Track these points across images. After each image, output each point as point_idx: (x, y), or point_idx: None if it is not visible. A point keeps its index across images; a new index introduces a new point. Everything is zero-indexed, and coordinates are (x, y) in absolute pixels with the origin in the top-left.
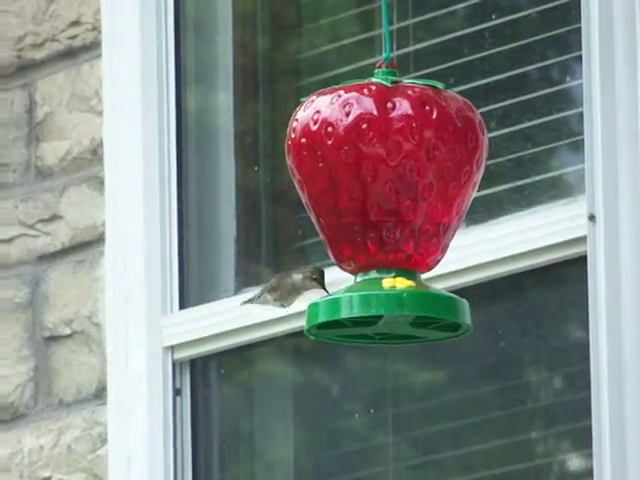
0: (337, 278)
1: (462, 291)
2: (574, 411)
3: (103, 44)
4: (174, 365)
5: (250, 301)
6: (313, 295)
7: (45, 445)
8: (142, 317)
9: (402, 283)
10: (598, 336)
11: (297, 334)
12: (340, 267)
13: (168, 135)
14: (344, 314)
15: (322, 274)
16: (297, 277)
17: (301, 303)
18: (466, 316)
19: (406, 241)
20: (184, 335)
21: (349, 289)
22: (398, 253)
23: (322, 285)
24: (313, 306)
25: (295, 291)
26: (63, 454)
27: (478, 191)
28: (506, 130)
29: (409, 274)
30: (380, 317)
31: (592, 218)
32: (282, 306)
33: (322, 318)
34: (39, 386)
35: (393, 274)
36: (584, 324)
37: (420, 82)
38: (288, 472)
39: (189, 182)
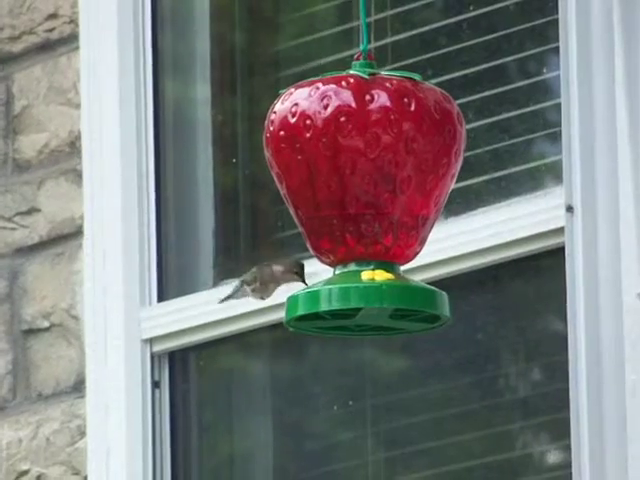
0: (316, 270)
1: (440, 283)
2: (552, 403)
3: (80, 37)
4: (152, 357)
5: (228, 298)
6: (293, 286)
7: (24, 438)
8: (120, 310)
9: (381, 275)
10: (576, 327)
11: (276, 326)
12: (319, 259)
13: (146, 128)
14: (323, 307)
15: (302, 267)
16: (277, 269)
17: (280, 295)
18: (445, 308)
19: (385, 233)
20: (163, 327)
21: (328, 282)
22: (377, 245)
23: (302, 279)
24: (292, 298)
25: (274, 283)
26: (42, 447)
27: (456, 183)
28: (484, 122)
29: (388, 266)
30: (359, 309)
31: (570, 209)
32: (261, 298)
33: (301, 310)
34: (17, 379)
35: (372, 267)
36: (562, 315)
37: (398, 74)
38: (267, 464)
39: (167, 175)
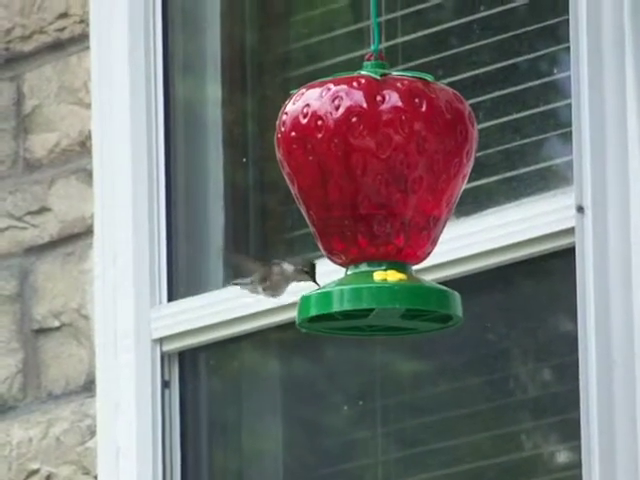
0: (327, 270)
1: (452, 283)
2: (563, 403)
3: (91, 36)
4: (163, 357)
5: (239, 285)
6: (303, 285)
7: (34, 437)
8: (131, 309)
9: (393, 276)
10: (587, 328)
11: (286, 326)
12: (331, 260)
13: (156, 127)
14: (335, 307)
15: (313, 267)
16: (288, 268)
17: (290, 295)
18: (457, 308)
19: (397, 234)
20: (173, 327)
21: (340, 282)
22: (389, 246)
23: (313, 278)
24: (305, 299)
25: (285, 281)
26: (52, 446)
27: (467, 183)
28: (494, 122)
29: (400, 267)
30: (371, 310)
31: (580, 210)
32: (272, 296)
33: (314, 311)
34: (28, 378)
35: (384, 267)
36: (573, 315)
37: (409, 74)
38: (276, 464)
39: (177, 174)
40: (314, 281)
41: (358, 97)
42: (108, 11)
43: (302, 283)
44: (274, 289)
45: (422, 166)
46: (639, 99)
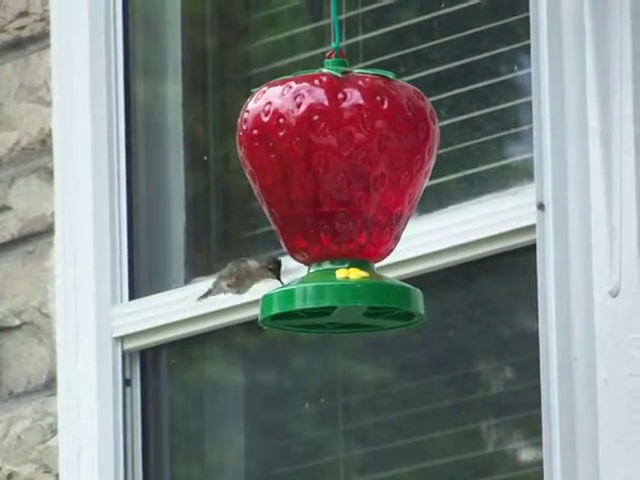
0: (289, 268)
1: (413, 280)
2: (524, 400)
3: (51, 35)
4: (124, 355)
5: (207, 295)
6: (267, 285)
7: None
8: (92, 308)
9: (355, 274)
10: (547, 324)
11: (247, 324)
12: (293, 258)
13: (117, 126)
14: (298, 305)
15: (278, 264)
16: (253, 264)
17: (252, 293)
18: (419, 305)
19: (359, 231)
20: (134, 325)
21: (303, 280)
22: (351, 244)
23: (277, 276)
24: (267, 297)
25: (250, 279)
26: (13, 445)
27: (429, 180)
28: (456, 119)
29: (362, 264)
30: (334, 308)
31: (541, 207)
32: (237, 293)
33: (276, 309)
34: None
35: (347, 265)
36: (534, 313)
37: (371, 72)
38: (239, 464)
39: (138, 172)
40: (278, 279)
41: (319, 95)
42: (68, 9)
43: (265, 284)
44: (239, 286)
45: (384, 164)
46: (599, 96)
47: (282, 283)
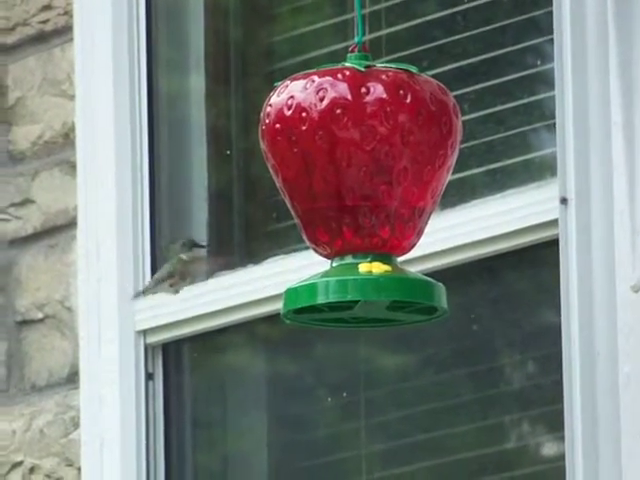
0: (312, 262)
1: (435, 274)
2: (546, 395)
3: (75, 28)
4: (146, 349)
5: (143, 292)
6: (290, 277)
7: (17, 430)
8: (114, 301)
9: (378, 268)
10: (570, 319)
11: (270, 318)
12: (316, 251)
13: (140, 119)
14: (321, 299)
15: (191, 240)
16: (174, 249)
17: (276, 287)
18: (442, 300)
19: (382, 226)
20: (156, 319)
21: (325, 274)
22: (374, 238)
23: (196, 245)
24: (290, 291)
25: (185, 268)
26: (35, 439)
27: (451, 175)
28: (479, 113)
29: (385, 258)
30: (357, 301)
31: (564, 201)
32: (176, 292)
33: (299, 303)
34: (11, 370)
35: (369, 259)
36: (556, 307)
37: (394, 66)
38: (262, 458)
39: (161, 166)
40: (201, 246)
41: (342, 89)
42: (91, 3)
43: (288, 276)
44: (179, 284)
45: (407, 158)
46: (623, 90)
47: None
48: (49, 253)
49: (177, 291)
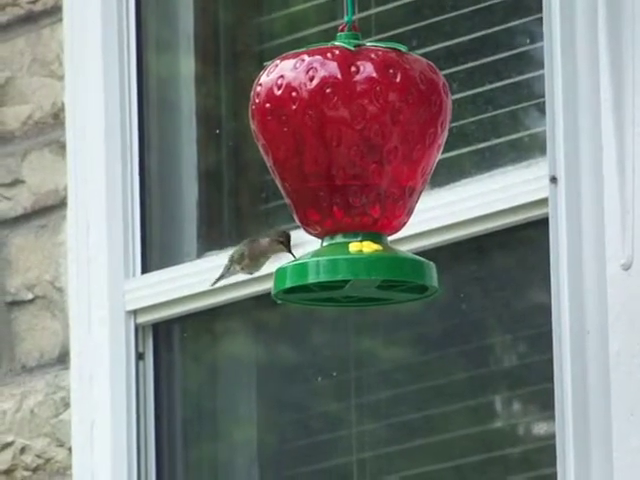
0: (302, 241)
1: (425, 253)
2: (536, 374)
3: (64, 8)
4: (137, 329)
5: (220, 279)
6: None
7: (8, 410)
8: (104, 281)
9: (369, 247)
10: (560, 298)
11: (260, 297)
12: (306, 231)
13: (129, 99)
14: (311, 279)
15: (288, 237)
16: (264, 241)
17: (265, 267)
18: (433, 278)
19: (372, 205)
20: (147, 299)
21: (316, 253)
22: (364, 217)
23: (288, 248)
24: (280, 271)
25: (263, 256)
26: (26, 419)
27: (441, 154)
28: (468, 92)
29: (376, 237)
30: (347, 281)
31: (554, 180)
32: (250, 273)
33: (289, 283)
34: (1, 351)
35: (360, 238)
36: (547, 286)
37: (383, 45)
38: (251, 437)
39: (151, 146)
40: (289, 252)
41: (332, 68)
42: None
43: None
44: (252, 266)
45: (397, 137)
46: (612, 69)
47: (294, 256)
48: (39, 233)
49: (251, 273)
